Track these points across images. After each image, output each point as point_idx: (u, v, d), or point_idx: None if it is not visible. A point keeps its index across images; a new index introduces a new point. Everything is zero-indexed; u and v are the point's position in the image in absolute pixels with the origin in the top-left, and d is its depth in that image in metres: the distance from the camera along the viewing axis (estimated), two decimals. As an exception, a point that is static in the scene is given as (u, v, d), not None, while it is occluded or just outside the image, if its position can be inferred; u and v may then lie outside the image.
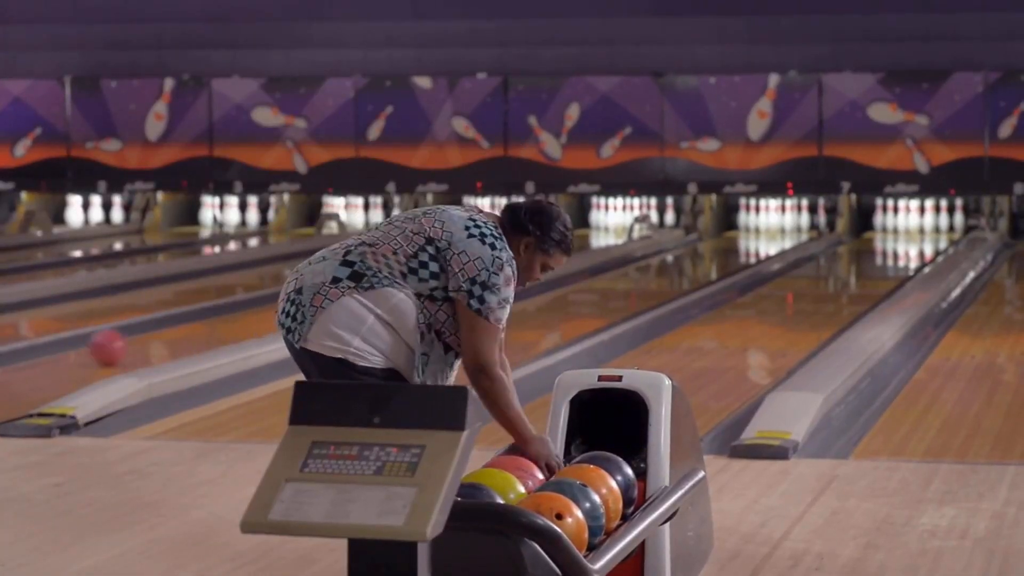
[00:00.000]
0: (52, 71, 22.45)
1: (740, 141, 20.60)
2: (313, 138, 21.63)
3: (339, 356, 4.65)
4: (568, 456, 5.20)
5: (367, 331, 4.66)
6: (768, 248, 19.83)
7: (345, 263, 4.70)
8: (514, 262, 4.76)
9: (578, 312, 14.43)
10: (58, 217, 22.94)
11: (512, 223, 4.83)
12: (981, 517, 6.39)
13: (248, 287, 15.96)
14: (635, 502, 4.92)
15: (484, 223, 4.77)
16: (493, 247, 4.70)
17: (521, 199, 21.64)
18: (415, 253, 4.69)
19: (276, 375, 9.85)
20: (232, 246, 20.89)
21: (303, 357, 4.73)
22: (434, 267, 4.69)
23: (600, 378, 5.29)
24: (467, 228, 4.71)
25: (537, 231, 4.83)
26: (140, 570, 5.74)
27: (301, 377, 4.84)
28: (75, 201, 22.99)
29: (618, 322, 12.44)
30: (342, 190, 22.00)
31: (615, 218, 21.72)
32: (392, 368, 4.69)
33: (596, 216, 21.84)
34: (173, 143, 22.08)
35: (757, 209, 21.46)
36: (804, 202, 21.29)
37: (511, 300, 4.75)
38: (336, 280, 4.68)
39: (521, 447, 4.85)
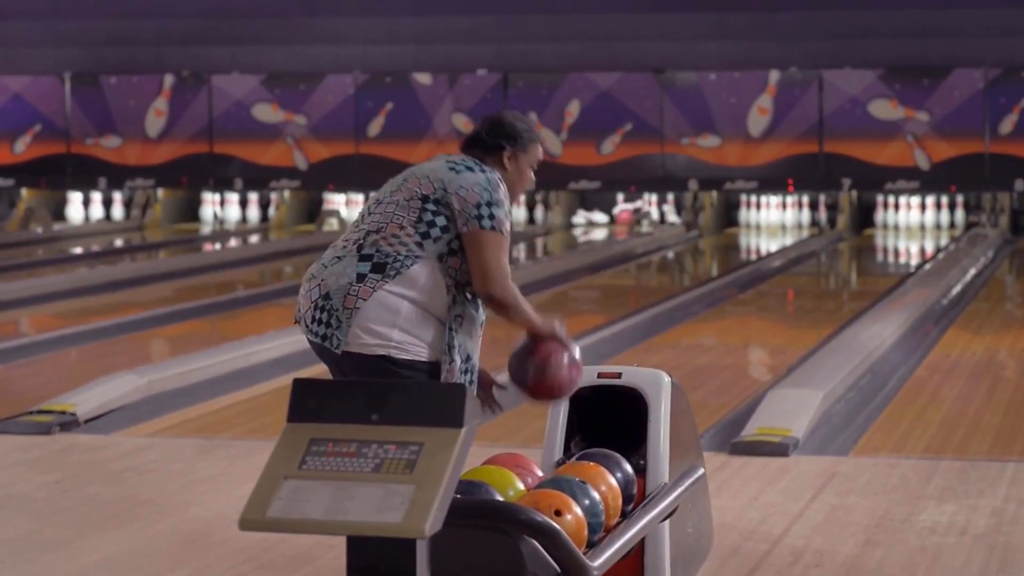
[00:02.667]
0: (52, 67, 22.44)
1: (740, 137, 20.60)
2: (313, 134, 21.62)
3: (381, 353, 4.63)
4: (568, 453, 5.20)
5: (403, 321, 4.65)
6: (769, 245, 19.82)
7: (363, 258, 4.68)
8: (501, 179, 4.80)
9: (578, 308, 14.42)
10: (58, 214, 22.93)
11: (483, 148, 4.86)
12: (981, 514, 6.39)
13: (249, 284, 15.96)
14: (635, 499, 4.91)
15: (463, 159, 4.81)
16: (483, 171, 4.75)
17: (521, 196, 21.76)
18: (419, 217, 4.69)
19: (276, 372, 9.85)
20: (233, 243, 20.88)
21: (343, 362, 4.69)
22: (441, 221, 4.69)
23: (600, 375, 5.29)
24: (452, 168, 4.75)
25: (509, 140, 4.87)
26: (140, 566, 5.74)
27: (301, 374, 4.84)
28: (75, 198, 22.99)
29: (618, 319, 12.43)
30: (342, 187, 22.00)
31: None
32: (433, 361, 4.69)
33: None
34: (173, 139, 22.07)
35: (758, 206, 21.45)
36: (805, 199, 21.28)
37: (512, 213, 4.84)
38: (361, 277, 4.65)
39: (538, 335, 4.85)
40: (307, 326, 4.74)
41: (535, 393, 4.84)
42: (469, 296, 4.77)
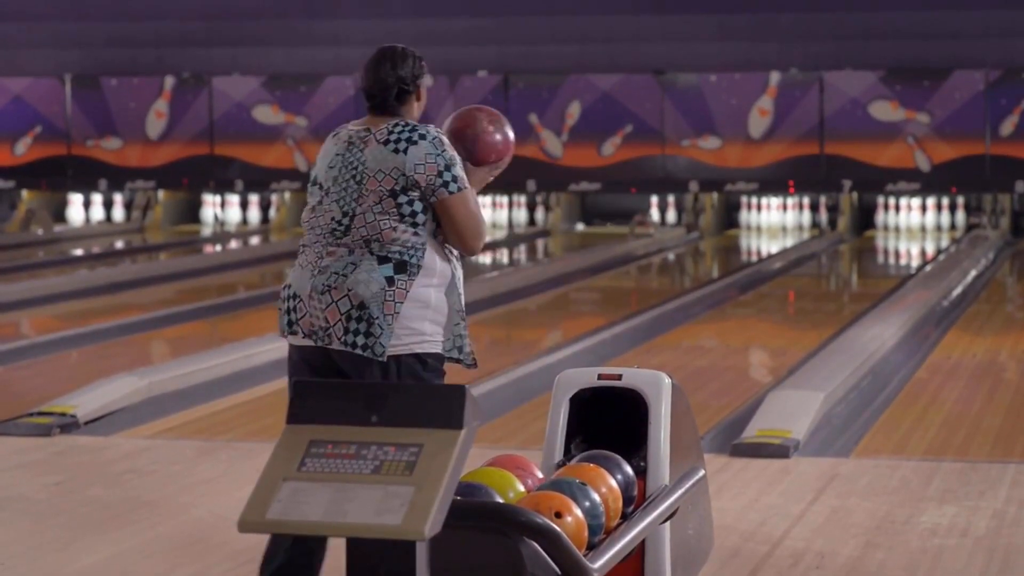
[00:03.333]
0: (52, 69, 22.45)
1: (741, 139, 20.59)
2: (314, 136, 21.61)
3: (421, 351, 4.71)
4: (568, 455, 5.19)
5: (432, 312, 4.75)
6: (769, 246, 19.82)
7: (382, 260, 4.71)
8: (437, 129, 4.81)
9: (579, 310, 14.42)
10: (59, 215, 22.93)
11: (399, 98, 4.83)
12: (982, 516, 6.38)
13: (249, 286, 15.96)
14: (635, 501, 4.91)
15: (391, 132, 4.77)
16: (422, 136, 4.74)
17: (523, 198, 21.80)
18: (400, 213, 4.72)
19: (277, 374, 9.84)
20: (233, 244, 20.88)
21: (372, 368, 4.70)
22: (419, 205, 4.74)
23: (600, 376, 5.28)
24: (393, 150, 4.74)
25: (411, 83, 4.84)
26: (139, 569, 5.74)
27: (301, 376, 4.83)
28: (76, 199, 22.99)
29: (619, 320, 12.43)
30: (343, 188, 21.97)
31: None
32: (444, 353, 4.79)
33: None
34: (174, 141, 22.07)
35: (758, 207, 21.45)
36: (805, 200, 21.28)
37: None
38: (391, 280, 4.69)
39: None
40: (340, 340, 4.69)
41: (479, 160, 4.95)
42: (457, 261, 4.88)
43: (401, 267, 4.70)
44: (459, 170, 4.75)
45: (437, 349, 4.76)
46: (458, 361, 4.85)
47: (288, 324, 4.82)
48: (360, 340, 4.68)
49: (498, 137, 4.96)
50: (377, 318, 4.66)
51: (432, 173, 4.71)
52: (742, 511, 6.45)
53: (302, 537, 4.75)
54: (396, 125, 4.77)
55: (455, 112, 5.03)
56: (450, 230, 4.77)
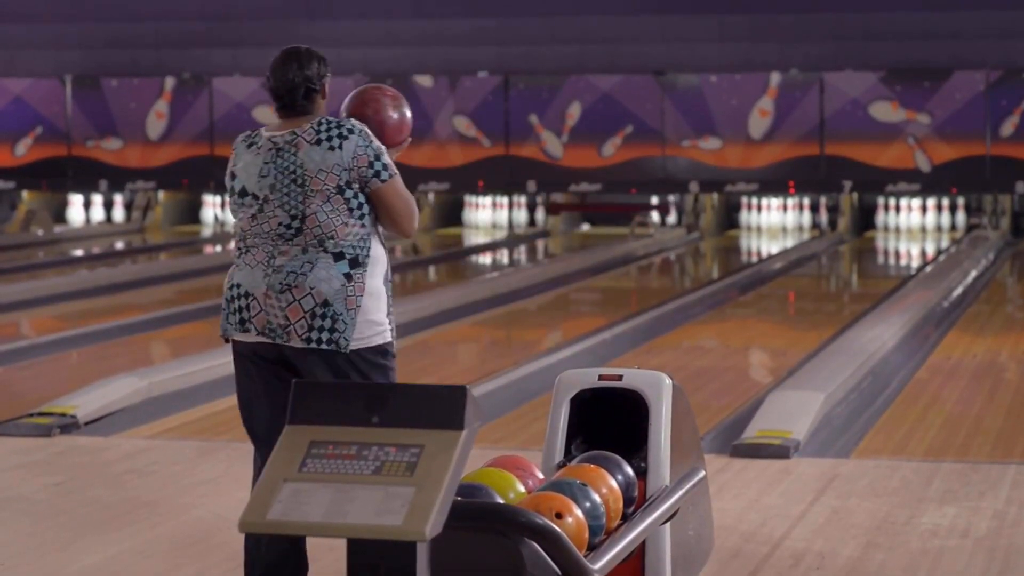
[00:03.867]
0: (53, 70, 22.44)
1: (741, 140, 20.59)
2: (314, 137, 21.61)
3: (378, 343, 4.87)
4: (568, 455, 5.19)
5: (384, 305, 4.91)
6: (769, 247, 19.82)
7: (337, 257, 4.84)
8: (353, 118, 4.97)
9: (579, 311, 14.42)
10: (59, 216, 22.93)
11: (307, 97, 4.98)
12: (982, 516, 6.38)
13: (249, 286, 15.93)
14: (635, 501, 4.90)
15: (320, 127, 4.89)
16: (350, 130, 4.87)
17: (522, 199, 21.79)
18: (348, 207, 4.86)
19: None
20: (233, 245, 20.87)
21: (335, 360, 4.83)
22: (360, 196, 4.88)
23: (600, 377, 5.28)
24: (330, 147, 4.85)
25: (317, 82, 5.03)
26: (139, 569, 5.74)
27: (302, 377, 4.84)
28: (76, 200, 22.99)
29: (619, 321, 12.43)
30: (343, 189, 21.98)
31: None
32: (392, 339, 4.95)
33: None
34: (174, 142, 22.07)
35: (759, 208, 21.45)
36: (806, 201, 21.28)
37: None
38: (348, 276, 4.83)
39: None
40: (301, 337, 4.81)
41: (387, 143, 5.06)
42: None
43: (355, 262, 4.83)
44: (387, 158, 4.88)
45: (391, 337, 4.92)
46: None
47: (240, 322, 4.93)
48: (325, 336, 4.80)
49: (401, 117, 5.11)
50: (341, 314, 4.79)
51: (364, 164, 4.83)
52: (742, 512, 6.45)
53: (278, 546, 4.79)
54: (320, 124, 4.89)
55: (355, 93, 5.14)
56: (385, 216, 4.90)
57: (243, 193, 4.95)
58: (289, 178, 4.85)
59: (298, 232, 4.84)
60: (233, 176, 5.00)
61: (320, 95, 4.99)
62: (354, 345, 4.81)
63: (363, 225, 4.85)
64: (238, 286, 4.95)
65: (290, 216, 4.84)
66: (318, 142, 4.84)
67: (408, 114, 5.15)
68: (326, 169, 4.82)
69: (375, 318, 4.85)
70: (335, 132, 4.85)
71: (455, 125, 21.13)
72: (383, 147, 4.89)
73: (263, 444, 4.96)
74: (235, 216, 5.02)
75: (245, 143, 5.01)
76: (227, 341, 5.08)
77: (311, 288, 4.80)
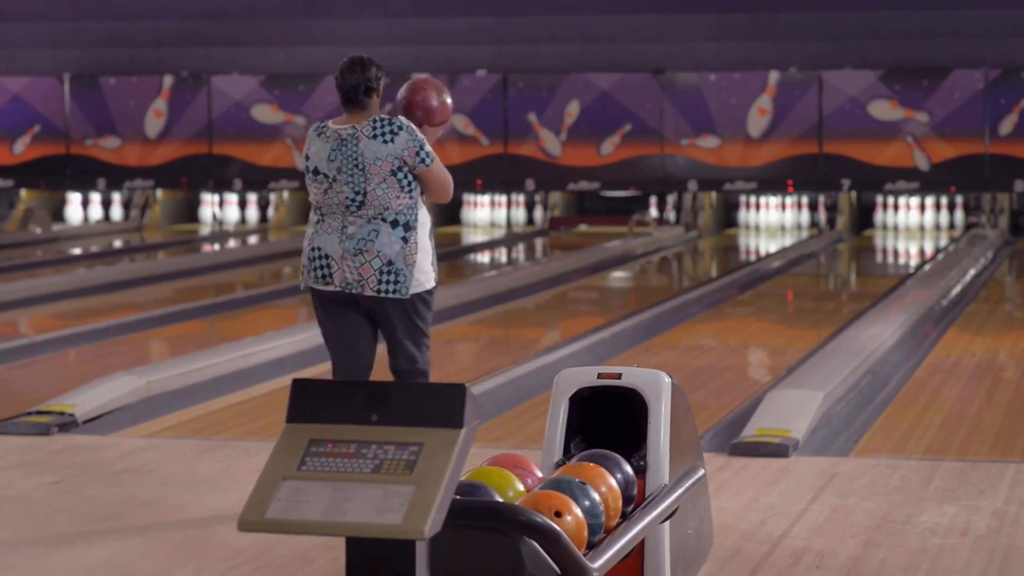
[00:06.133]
0: (51, 68, 22.43)
1: (740, 138, 20.59)
2: (313, 135, 21.60)
3: (428, 287, 6.33)
4: (568, 454, 5.18)
5: (430, 258, 6.34)
6: (768, 245, 19.82)
7: (394, 224, 6.24)
8: (402, 117, 6.32)
9: (578, 309, 14.42)
10: (57, 215, 22.92)
11: (367, 95, 6.27)
12: (982, 515, 6.37)
13: (247, 285, 15.95)
14: (635, 500, 4.90)
15: (375, 127, 6.23)
16: (400, 127, 6.23)
17: (521, 197, 21.80)
18: (400, 186, 6.23)
19: (275, 373, 9.83)
20: (232, 244, 20.87)
21: (398, 305, 6.27)
22: (409, 177, 6.26)
23: (600, 376, 5.27)
24: (384, 141, 6.21)
25: (375, 83, 6.30)
26: (138, 568, 5.73)
27: (300, 375, 4.84)
28: (74, 198, 22.98)
29: (618, 319, 12.42)
30: (342, 187, 21.97)
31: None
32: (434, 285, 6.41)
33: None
34: (172, 140, 22.06)
35: (757, 206, 21.45)
36: (804, 199, 21.28)
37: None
38: (405, 239, 6.24)
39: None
40: (374, 289, 6.22)
41: (432, 122, 6.45)
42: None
43: (408, 227, 6.26)
44: (428, 147, 6.25)
45: (433, 284, 6.38)
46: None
47: (321, 277, 6.28)
48: (390, 288, 6.24)
49: (444, 103, 6.46)
50: (401, 270, 6.24)
51: (412, 154, 6.22)
52: (742, 510, 6.44)
53: None
54: (375, 122, 6.24)
55: (408, 83, 6.45)
56: (429, 190, 6.34)
57: (316, 172, 6.29)
58: (352, 163, 6.21)
59: (361, 205, 6.21)
60: (307, 158, 6.35)
61: (376, 93, 6.28)
62: (413, 291, 6.26)
63: (411, 197, 6.25)
64: (319, 249, 6.28)
65: (354, 192, 6.21)
66: (374, 136, 6.21)
67: (448, 100, 6.47)
68: (381, 158, 6.19)
69: (424, 268, 6.29)
70: (388, 129, 6.21)
71: (454, 123, 21.11)
72: (424, 138, 6.23)
73: (337, 363, 6.42)
74: (310, 190, 6.34)
75: (316, 132, 6.37)
76: (306, 291, 6.42)
77: (378, 252, 6.20)
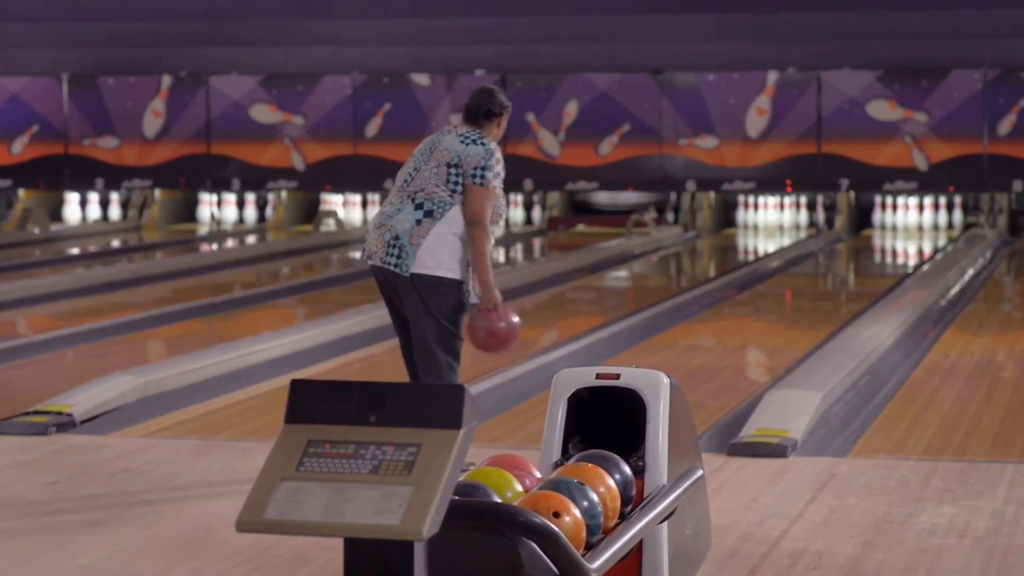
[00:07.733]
0: (50, 68, 22.43)
1: (739, 138, 20.59)
2: (311, 135, 21.61)
3: (438, 274, 6.65)
4: (566, 454, 5.18)
5: (449, 249, 6.66)
6: (767, 245, 19.81)
7: (417, 207, 6.69)
8: (497, 147, 6.81)
9: (576, 309, 14.41)
10: (55, 214, 22.92)
11: (486, 116, 6.87)
12: (980, 515, 6.37)
13: (246, 284, 15.94)
14: (633, 500, 4.89)
15: (468, 134, 6.83)
16: (483, 144, 6.78)
17: (519, 197, 21.80)
18: (447, 178, 6.71)
19: (273, 373, 9.83)
20: (230, 243, 20.86)
21: (406, 282, 6.67)
22: (459, 179, 6.72)
23: (598, 376, 5.27)
24: (463, 142, 6.79)
25: (502, 109, 6.90)
26: (136, 568, 5.73)
27: (298, 375, 4.83)
28: (72, 198, 22.98)
29: (616, 320, 12.42)
30: (340, 187, 21.99)
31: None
32: (460, 279, 6.72)
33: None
34: (171, 140, 22.06)
35: (756, 206, 21.45)
36: (803, 199, 21.28)
37: (502, 173, 6.82)
38: (419, 221, 6.66)
39: (481, 290, 6.79)
40: (381, 260, 6.70)
41: (483, 347, 6.94)
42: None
43: (429, 214, 6.68)
44: (491, 173, 6.74)
45: (454, 276, 6.67)
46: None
47: (364, 250, 6.84)
48: (394, 261, 6.69)
49: (496, 342, 6.91)
50: (405, 247, 6.66)
51: (472, 166, 6.73)
52: (740, 511, 6.44)
53: None
54: (472, 131, 6.85)
55: (498, 299, 6.82)
56: (468, 203, 6.72)
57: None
58: (429, 147, 6.83)
59: (408, 183, 6.75)
60: None
61: (496, 122, 6.89)
62: (414, 271, 6.62)
63: (451, 195, 6.70)
64: (370, 224, 6.89)
65: (414, 168, 6.79)
66: (459, 136, 6.81)
67: (512, 322, 6.89)
68: (449, 149, 6.76)
69: (437, 255, 6.64)
70: (474, 138, 6.82)
71: (452, 123, 21.09)
72: (496, 167, 6.76)
73: (399, 334, 6.93)
74: None
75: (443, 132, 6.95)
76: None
77: (391, 226, 6.68)
